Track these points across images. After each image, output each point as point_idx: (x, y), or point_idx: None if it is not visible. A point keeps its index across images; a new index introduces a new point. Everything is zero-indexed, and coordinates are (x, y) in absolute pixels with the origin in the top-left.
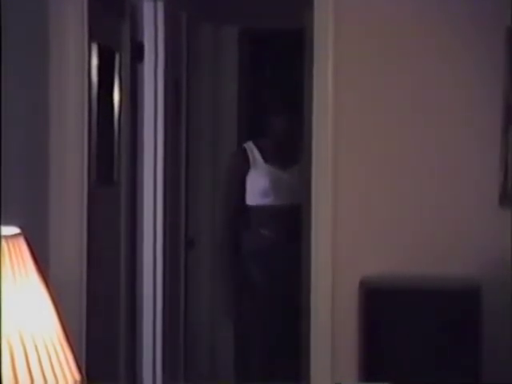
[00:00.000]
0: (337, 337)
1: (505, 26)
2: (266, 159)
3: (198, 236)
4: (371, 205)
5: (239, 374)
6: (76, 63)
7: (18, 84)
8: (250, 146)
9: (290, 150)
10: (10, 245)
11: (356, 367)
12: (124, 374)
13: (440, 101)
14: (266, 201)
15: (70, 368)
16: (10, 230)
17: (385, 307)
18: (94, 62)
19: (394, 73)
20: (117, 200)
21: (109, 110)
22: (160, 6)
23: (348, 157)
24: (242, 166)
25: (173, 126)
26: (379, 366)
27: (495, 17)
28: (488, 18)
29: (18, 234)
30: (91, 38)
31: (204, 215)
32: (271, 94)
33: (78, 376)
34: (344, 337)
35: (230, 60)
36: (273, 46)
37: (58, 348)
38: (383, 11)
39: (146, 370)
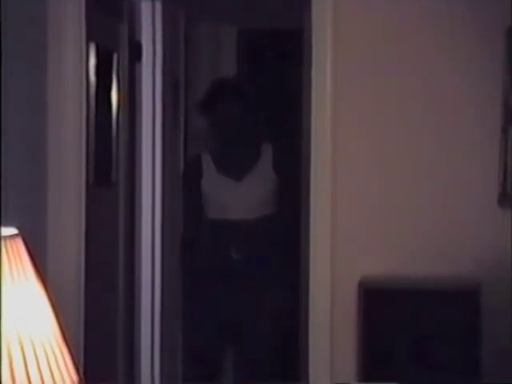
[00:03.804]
0: (336, 336)
1: (504, 27)
2: (219, 169)
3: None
4: (370, 205)
5: (238, 374)
6: (74, 63)
7: (17, 84)
8: (205, 154)
9: (246, 159)
10: (8, 246)
11: (355, 367)
12: (122, 375)
13: (439, 101)
14: (223, 214)
15: (68, 369)
16: (8, 230)
17: (384, 307)
18: (92, 62)
19: (392, 73)
20: (115, 200)
21: (107, 110)
22: (158, 6)
23: (347, 157)
24: (196, 176)
25: (171, 126)
26: (378, 365)
27: (495, 17)
28: (488, 18)
29: (16, 235)
30: (89, 38)
31: None
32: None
33: (75, 378)
34: (343, 337)
35: (229, 60)
36: (271, 46)
37: (56, 349)
38: (382, 11)
39: (145, 371)
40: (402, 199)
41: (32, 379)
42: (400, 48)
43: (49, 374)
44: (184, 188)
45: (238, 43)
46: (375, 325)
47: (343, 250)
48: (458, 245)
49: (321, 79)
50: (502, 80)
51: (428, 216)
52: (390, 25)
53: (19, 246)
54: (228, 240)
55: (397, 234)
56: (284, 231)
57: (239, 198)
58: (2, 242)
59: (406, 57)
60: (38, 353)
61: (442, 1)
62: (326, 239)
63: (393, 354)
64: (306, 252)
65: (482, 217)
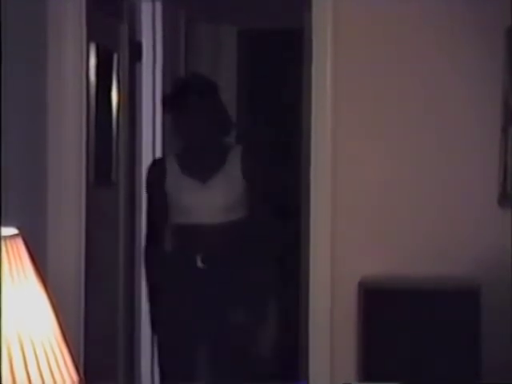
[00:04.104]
0: (336, 337)
1: (504, 27)
2: (183, 169)
3: None
4: (370, 205)
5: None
6: (74, 63)
7: (17, 84)
8: (170, 155)
9: (212, 158)
10: (8, 245)
11: (355, 367)
12: (122, 375)
13: (439, 101)
14: (188, 218)
15: (68, 369)
16: (8, 230)
17: (384, 307)
18: (93, 61)
19: (392, 73)
20: (115, 200)
21: (107, 109)
22: (158, 6)
23: (347, 157)
24: (159, 178)
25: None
26: (378, 365)
27: (495, 17)
28: (488, 18)
29: (16, 235)
30: (89, 38)
31: None
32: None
33: (76, 377)
34: (343, 337)
35: (229, 60)
36: (272, 46)
37: (56, 349)
38: (381, 11)
39: (145, 371)
40: (401, 199)
41: (32, 379)
42: (400, 48)
43: (49, 373)
44: (147, 191)
45: (238, 43)
46: (375, 325)
47: (343, 250)
48: (457, 245)
49: (321, 79)
50: (501, 80)
51: (428, 216)
52: (389, 25)
53: (19, 246)
54: (193, 247)
55: (397, 234)
56: (254, 237)
57: (204, 201)
58: (2, 242)
59: (406, 57)
60: (38, 352)
61: (441, 1)
62: (326, 239)
63: (393, 354)
64: (305, 252)
65: (482, 217)
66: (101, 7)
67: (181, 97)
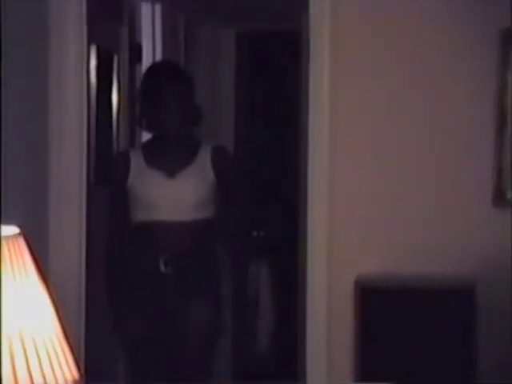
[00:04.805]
0: (332, 335)
1: (499, 29)
2: (149, 163)
3: None
4: (367, 204)
5: (237, 374)
6: (75, 64)
7: (19, 84)
8: (135, 148)
9: (181, 152)
10: (10, 245)
11: (351, 365)
12: (123, 373)
13: (436, 103)
14: (154, 215)
15: (69, 367)
16: (10, 229)
17: (379, 306)
18: (93, 63)
19: (390, 74)
20: None
21: (107, 109)
22: (158, 8)
23: (344, 157)
24: (122, 170)
25: None
26: (374, 363)
27: (491, 19)
28: (484, 20)
29: (18, 234)
30: (90, 40)
31: None
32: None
33: (77, 375)
34: (340, 335)
35: (228, 61)
36: (270, 47)
37: (58, 347)
38: (379, 13)
39: None
40: (398, 199)
41: (33, 376)
42: (397, 50)
43: (50, 370)
44: (109, 186)
45: (237, 44)
46: (371, 323)
47: (339, 249)
48: (453, 244)
49: (318, 79)
50: (496, 82)
51: (424, 216)
52: (386, 27)
53: (21, 245)
54: (157, 246)
55: (393, 234)
56: (223, 236)
57: (172, 197)
58: (4, 241)
59: (403, 59)
60: (39, 350)
61: (437, 3)
62: (323, 239)
63: (388, 352)
64: (303, 252)
65: (477, 217)
66: (101, 9)
67: (156, 81)
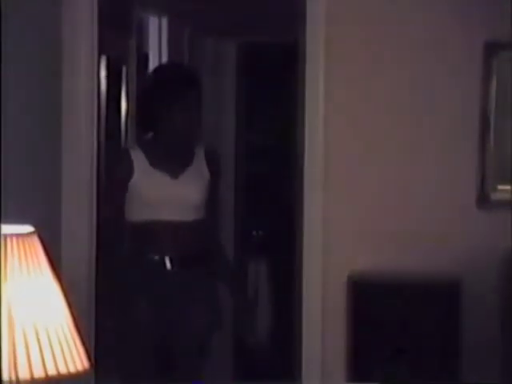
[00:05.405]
0: (326, 330)
1: (482, 40)
2: (152, 164)
3: None
4: (360, 203)
5: (233, 374)
6: (87, 74)
7: (35, 91)
8: (136, 148)
9: (181, 154)
10: (25, 243)
11: (344, 361)
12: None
13: (422, 106)
14: (157, 215)
15: (80, 356)
16: (25, 228)
17: (371, 301)
18: (103, 73)
19: (383, 83)
20: None
21: (117, 116)
22: (164, 21)
23: (338, 156)
24: (125, 171)
25: None
26: (367, 359)
27: (473, 31)
28: (466, 32)
29: (33, 233)
30: (101, 52)
31: None
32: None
33: (87, 364)
34: (333, 330)
35: (229, 70)
36: (270, 58)
37: (69, 337)
38: (373, 25)
39: None
40: (390, 199)
41: (47, 364)
42: (391, 60)
43: (62, 360)
44: (110, 186)
45: (238, 55)
46: (363, 318)
47: (332, 245)
48: (441, 242)
49: (313, 91)
50: (479, 89)
51: (414, 215)
52: (380, 38)
53: (35, 243)
54: (159, 245)
55: (385, 232)
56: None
57: (174, 197)
58: (20, 239)
59: (397, 69)
60: (52, 340)
61: (424, 18)
62: (317, 235)
63: (380, 348)
64: (299, 250)
65: (463, 217)
66: (111, 22)
67: (171, 85)
